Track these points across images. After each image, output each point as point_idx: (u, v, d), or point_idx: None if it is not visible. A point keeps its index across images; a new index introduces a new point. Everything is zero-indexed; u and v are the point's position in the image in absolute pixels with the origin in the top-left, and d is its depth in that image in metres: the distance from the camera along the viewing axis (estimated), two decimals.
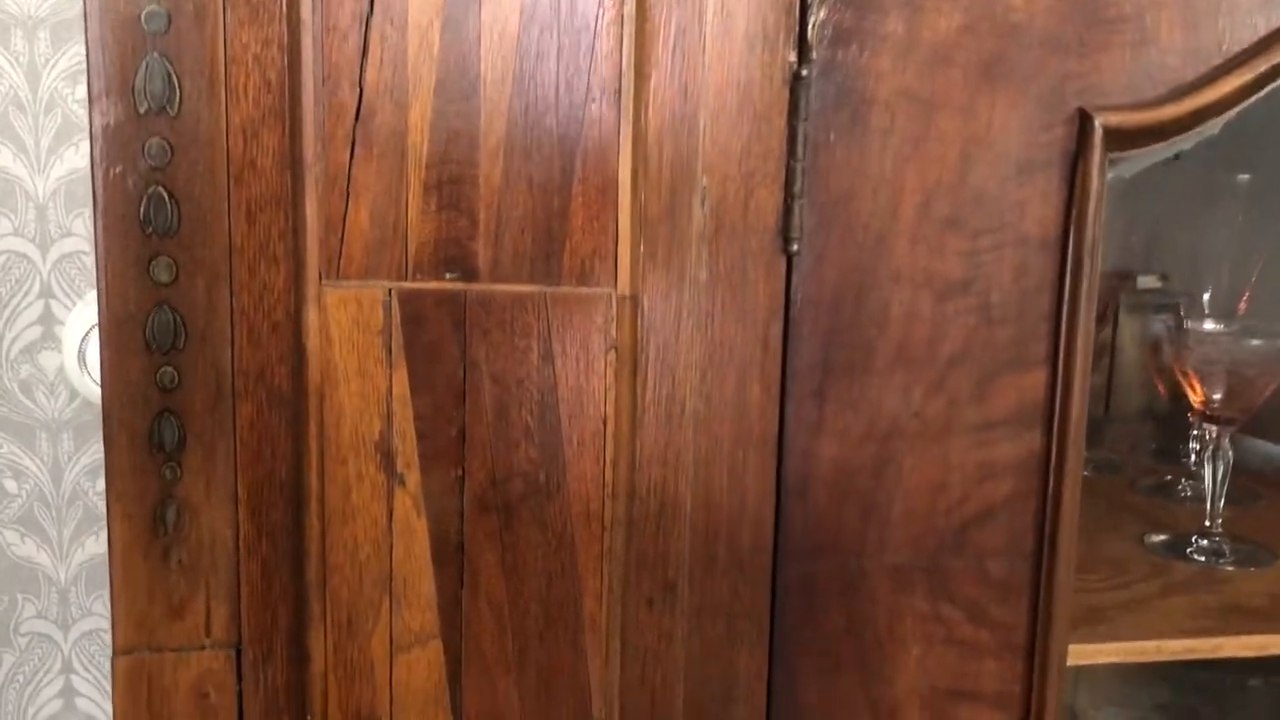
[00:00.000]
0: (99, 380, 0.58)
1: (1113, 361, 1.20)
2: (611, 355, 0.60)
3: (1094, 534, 0.91)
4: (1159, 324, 1.08)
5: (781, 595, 0.63)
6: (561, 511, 0.60)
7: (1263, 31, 0.63)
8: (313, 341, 0.57)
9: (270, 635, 0.60)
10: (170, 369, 0.57)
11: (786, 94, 0.59)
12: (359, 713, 0.60)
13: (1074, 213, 0.62)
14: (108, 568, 0.59)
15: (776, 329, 0.61)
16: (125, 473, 0.58)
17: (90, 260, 1.14)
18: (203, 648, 0.60)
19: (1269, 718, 1.09)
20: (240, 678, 0.60)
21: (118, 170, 0.55)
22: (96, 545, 1.21)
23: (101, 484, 0.59)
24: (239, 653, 0.60)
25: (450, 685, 0.61)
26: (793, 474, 0.62)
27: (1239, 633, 0.76)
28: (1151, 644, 0.74)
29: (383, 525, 0.59)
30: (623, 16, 0.57)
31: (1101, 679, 1.13)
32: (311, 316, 0.57)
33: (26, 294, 1.16)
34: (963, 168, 0.61)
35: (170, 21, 0.54)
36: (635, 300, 0.59)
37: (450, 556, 0.60)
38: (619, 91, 0.57)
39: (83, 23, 0.54)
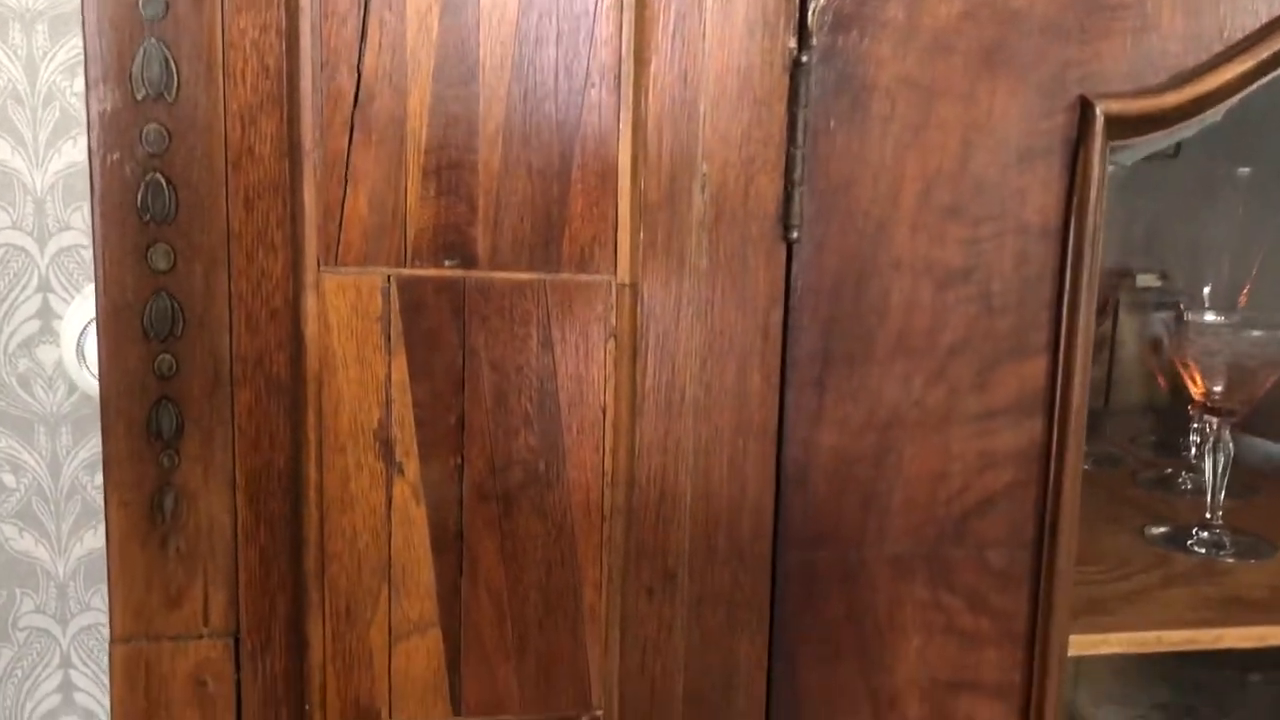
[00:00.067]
0: (97, 374, 0.57)
1: (1112, 356, 1.20)
2: (611, 343, 0.59)
3: (1094, 527, 0.91)
4: (1159, 322, 1.08)
5: (781, 584, 0.63)
6: (561, 500, 0.60)
7: (1264, 18, 0.63)
8: (311, 328, 0.57)
9: (268, 624, 0.59)
10: (168, 356, 0.57)
11: (787, 80, 0.59)
12: (358, 701, 0.60)
13: (1075, 201, 0.62)
14: (106, 559, 0.59)
15: (777, 317, 0.61)
16: (123, 460, 0.58)
17: (88, 254, 1.14)
18: (201, 636, 0.59)
19: (1268, 715, 1.08)
20: (238, 666, 0.60)
21: (115, 157, 0.55)
22: (95, 539, 1.20)
23: (100, 478, 0.58)
24: (237, 641, 0.60)
25: (449, 674, 0.60)
26: (793, 463, 0.62)
27: (1240, 624, 0.75)
28: (1152, 634, 0.73)
29: (381, 513, 0.59)
30: (622, 2, 0.56)
31: (1101, 677, 1.13)
32: (310, 303, 0.57)
33: (25, 288, 1.16)
34: (963, 155, 0.61)
35: (168, 7, 0.54)
36: (635, 288, 0.59)
37: (449, 545, 0.60)
38: (618, 77, 0.57)
39: (80, 12, 0.54)
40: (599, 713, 0.62)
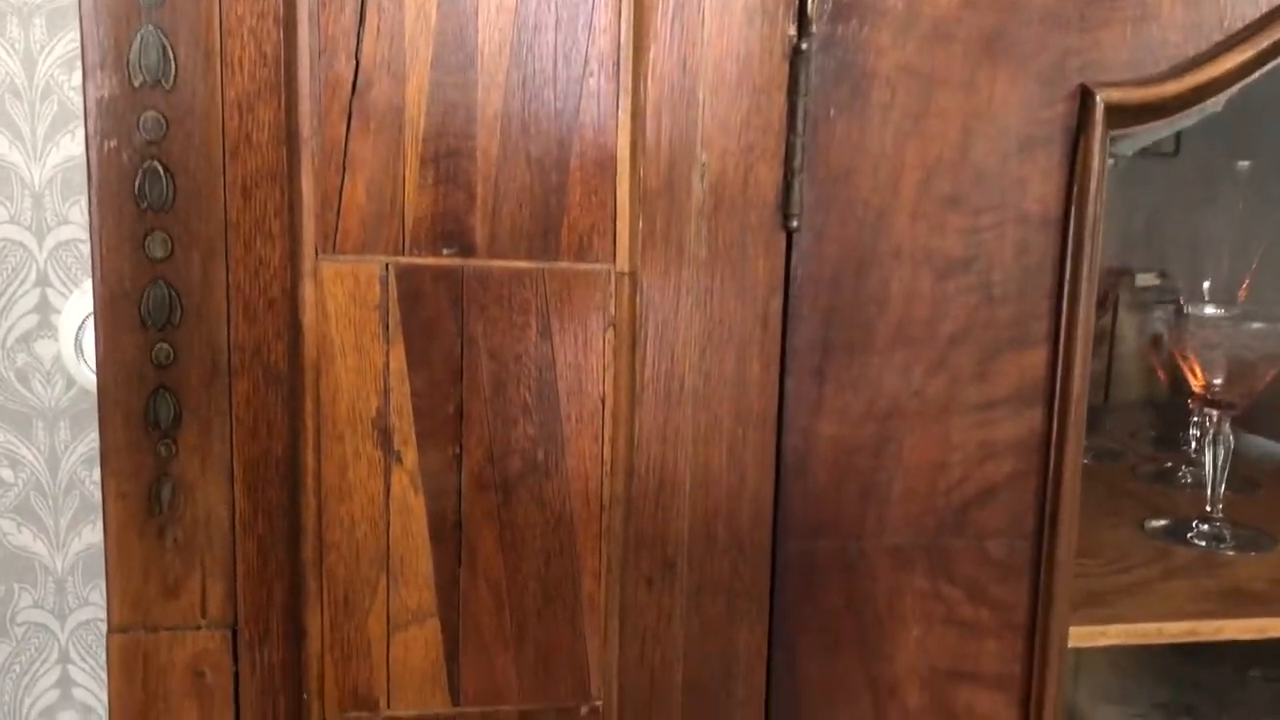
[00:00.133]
0: (95, 363, 0.57)
1: (1111, 351, 1.20)
2: (610, 332, 0.59)
3: (1094, 521, 0.91)
4: (1159, 321, 1.08)
5: (781, 574, 0.63)
6: (560, 489, 0.60)
7: (1265, 7, 0.62)
8: (309, 317, 0.57)
9: (266, 614, 0.59)
10: (165, 345, 0.57)
11: (786, 68, 0.59)
12: (356, 691, 0.60)
13: (1075, 190, 0.62)
14: (104, 551, 0.59)
15: (776, 306, 0.61)
16: (120, 450, 0.57)
17: (87, 249, 1.14)
18: (198, 627, 0.59)
19: (1268, 711, 1.08)
20: (236, 658, 0.59)
21: (112, 144, 0.55)
22: (93, 534, 1.20)
23: (98, 474, 0.58)
24: (235, 633, 0.59)
25: (448, 664, 0.60)
26: (792, 452, 0.62)
27: (1240, 616, 0.75)
28: (1152, 626, 0.73)
29: (380, 502, 0.59)
30: None
31: (1100, 676, 1.13)
32: (308, 292, 0.57)
33: (23, 282, 1.16)
34: (963, 144, 0.61)
35: None
36: (634, 276, 0.59)
37: (448, 534, 0.59)
38: (617, 64, 0.57)
39: (77, 3, 0.54)
40: (598, 702, 0.62)
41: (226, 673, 0.60)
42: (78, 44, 0.58)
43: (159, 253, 0.56)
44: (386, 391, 0.58)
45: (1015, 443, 0.64)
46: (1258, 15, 0.62)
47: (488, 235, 0.57)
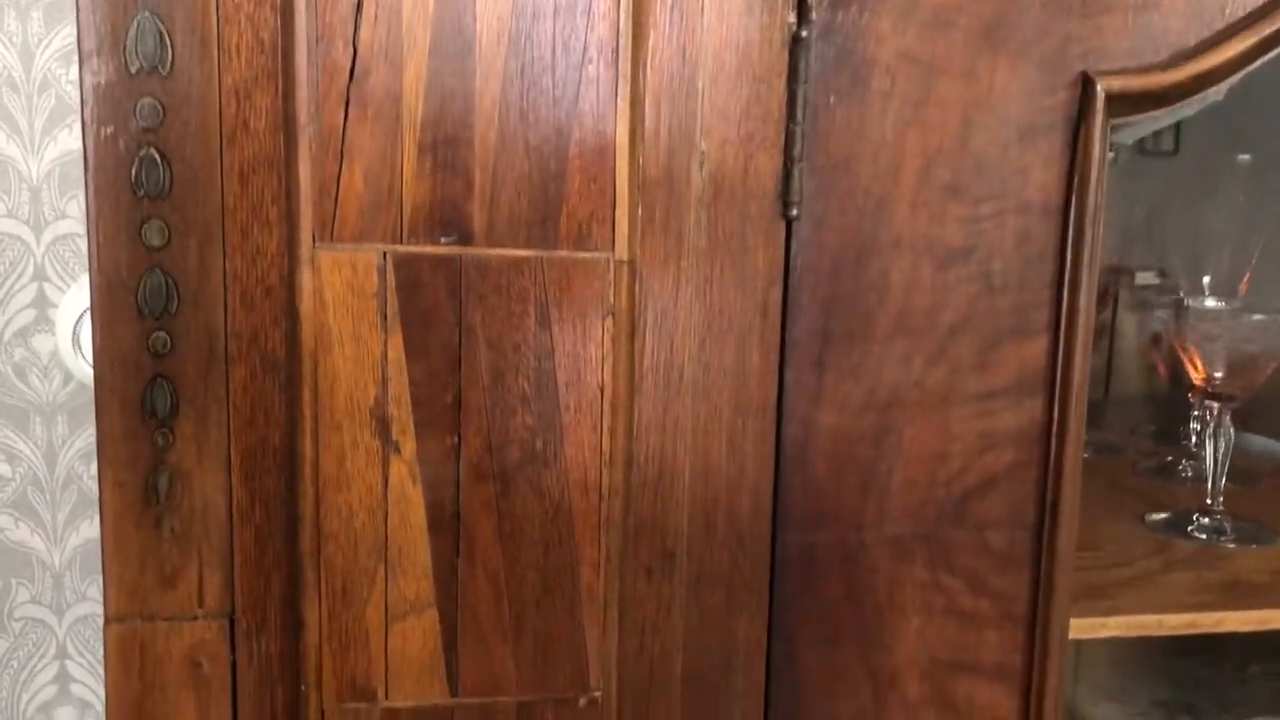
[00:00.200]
0: (91, 352, 0.57)
1: (1112, 347, 1.20)
2: (609, 321, 0.59)
3: (1095, 514, 0.91)
4: (1158, 319, 1.08)
5: (780, 564, 0.62)
6: (558, 479, 0.60)
7: None
8: (306, 305, 0.56)
9: (264, 604, 0.59)
10: (162, 334, 0.57)
11: (786, 56, 0.58)
12: (354, 682, 0.59)
13: (1076, 178, 0.62)
14: (100, 542, 0.58)
15: (776, 295, 0.61)
16: (117, 439, 0.57)
17: (84, 243, 1.13)
18: (195, 618, 0.59)
19: (1268, 707, 1.08)
20: (234, 648, 0.59)
21: (109, 131, 0.54)
22: (91, 529, 1.20)
23: (96, 468, 0.58)
24: (232, 623, 0.59)
25: (446, 654, 0.60)
26: (792, 442, 0.62)
27: (1241, 608, 0.75)
28: (1153, 618, 0.73)
29: (378, 492, 0.58)
30: None
31: (1100, 674, 1.12)
32: (305, 280, 0.56)
33: (20, 277, 1.15)
34: (964, 132, 0.61)
35: None
36: (633, 265, 0.59)
37: (446, 525, 0.59)
38: (616, 52, 0.57)
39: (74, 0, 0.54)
40: (597, 693, 0.62)
41: (224, 663, 0.59)
42: (75, 36, 0.58)
43: (156, 241, 0.56)
44: (384, 380, 0.57)
45: (1016, 433, 0.64)
46: (1260, 3, 0.62)
47: (486, 223, 0.57)
